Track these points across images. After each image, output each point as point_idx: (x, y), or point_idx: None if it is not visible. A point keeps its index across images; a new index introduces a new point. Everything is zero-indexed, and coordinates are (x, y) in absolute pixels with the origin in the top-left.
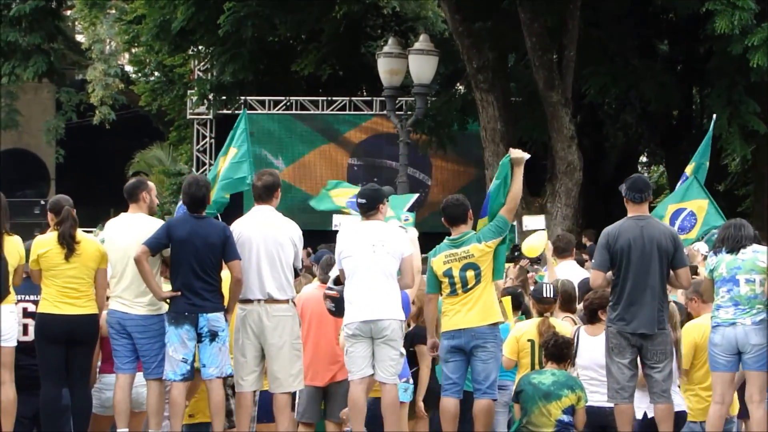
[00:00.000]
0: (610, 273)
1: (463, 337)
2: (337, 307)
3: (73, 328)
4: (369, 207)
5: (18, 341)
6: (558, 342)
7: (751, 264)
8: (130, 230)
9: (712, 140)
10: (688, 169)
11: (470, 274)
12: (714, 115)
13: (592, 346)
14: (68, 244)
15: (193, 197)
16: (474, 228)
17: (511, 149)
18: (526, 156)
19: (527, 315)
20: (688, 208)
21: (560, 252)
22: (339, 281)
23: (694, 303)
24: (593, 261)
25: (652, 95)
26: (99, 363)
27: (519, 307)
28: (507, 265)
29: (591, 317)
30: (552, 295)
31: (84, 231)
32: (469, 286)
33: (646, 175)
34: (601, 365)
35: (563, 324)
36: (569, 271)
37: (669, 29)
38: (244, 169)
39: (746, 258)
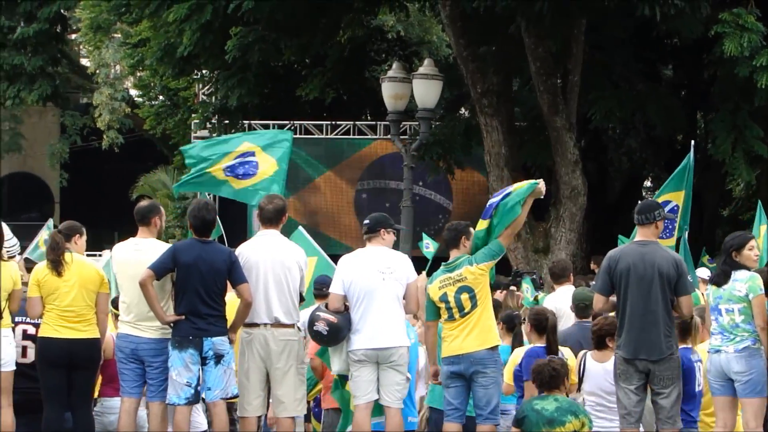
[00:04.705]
0: (614, 298)
1: (463, 363)
2: (330, 334)
3: (73, 352)
4: (370, 228)
5: (17, 363)
6: (552, 369)
7: (728, 294)
8: (143, 255)
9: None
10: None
11: (465, 297)
12: (692, 142)
13: (598, 373)
14: (53, 261)
15: (203, 221)
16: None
17: (542, 180)
18: (542, 195)
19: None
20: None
21: (556, 278)
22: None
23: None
24: (594, 284)
25: (658, 120)
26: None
27: (512, 329)
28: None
29: (598, 343)
30: None
31: (89, 255)
32: (465, 311)
33: (651, 199)
34: (607, 392)
35: (563, 350)
36: (566, 297)
37: (673, 53)
38: (273, 187)
39: (726, 287)
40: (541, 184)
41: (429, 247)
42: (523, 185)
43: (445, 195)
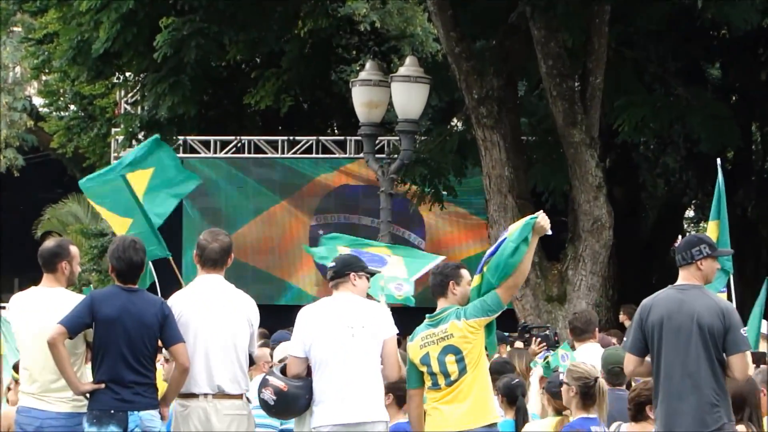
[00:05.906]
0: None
1: None
2: (278, 404)
3: None
4: (336, 272)
5: None
6: None
7: None
8: (47, 308)
9: None
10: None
11: (450, 359)
12: (718, 160)
13: None
14: None
15: (129, 263)
16: None
17: (542, 213)
18: (549, 230)
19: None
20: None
21: (578, 334)
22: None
23: (763, 396)
24: (624, 342)
25: (702, 132)
26: None
27: (514, 402)
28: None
29: (636, 413)
30: None
31: None
32: (452, 378)
33: (694, 233)
34: None
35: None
36: (590, 358)
37: (721, 49)
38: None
39: None
40: (541, 218)
41: (402, 287)
42: (518, 225)
43: (417, 232)
